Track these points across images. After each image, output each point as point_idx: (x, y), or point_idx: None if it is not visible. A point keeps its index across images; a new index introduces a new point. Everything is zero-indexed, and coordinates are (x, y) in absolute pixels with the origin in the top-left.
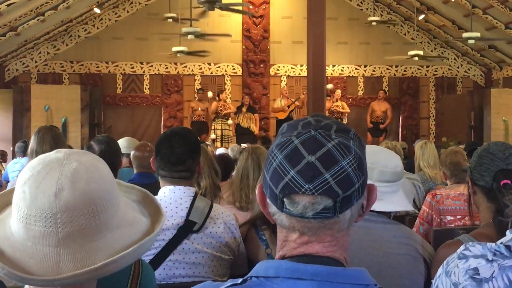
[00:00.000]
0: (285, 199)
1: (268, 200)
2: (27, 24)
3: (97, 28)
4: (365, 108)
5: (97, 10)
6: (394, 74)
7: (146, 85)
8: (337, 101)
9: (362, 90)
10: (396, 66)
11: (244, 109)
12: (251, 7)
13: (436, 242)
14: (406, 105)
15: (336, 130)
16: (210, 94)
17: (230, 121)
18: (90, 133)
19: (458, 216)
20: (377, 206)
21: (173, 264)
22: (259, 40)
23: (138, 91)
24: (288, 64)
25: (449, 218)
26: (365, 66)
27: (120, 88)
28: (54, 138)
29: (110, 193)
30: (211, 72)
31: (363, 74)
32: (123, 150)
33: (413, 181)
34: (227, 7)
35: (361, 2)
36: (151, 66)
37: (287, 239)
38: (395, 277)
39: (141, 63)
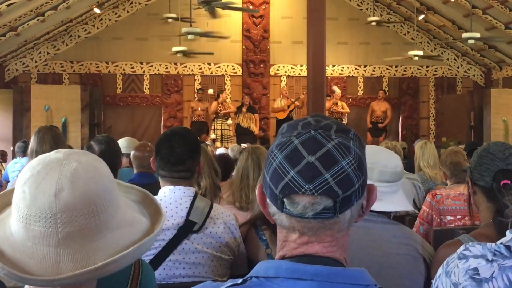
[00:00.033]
0: (285, 199)
1: (268, 200)
2: (27, 24)
3: (97, 28)
4: (365, 108)
5: (97, 10)
6: (394, 74)
7: (146, 85)
8: (336, 104)
9: (362, 90)
10: (396, 66)
11: (244, 109)
12: (251, 7)
13: (436, 242)
14: (406, 105)
15: (336, 130)
16: (210, 91)
17: (229, 121)
18: (90, 133)
19: (458, 216)
20: (377, 206)
21: (173, 264)
22: (259, 40)
23: (138, 91)
24: (288, 64)
25: (449, 218)
26: (365, 66)
27: (120, 88)
28: (54, 138)
29: (110, 193)
30: (211, 72)
31: (363, 74)
32: (123, 150)
33: (413, 181)
34: (226, 6)
35: (361, 2)
36: (151, 66)
37: (287, 239)
38: (395, 277)
39: (141, 63)
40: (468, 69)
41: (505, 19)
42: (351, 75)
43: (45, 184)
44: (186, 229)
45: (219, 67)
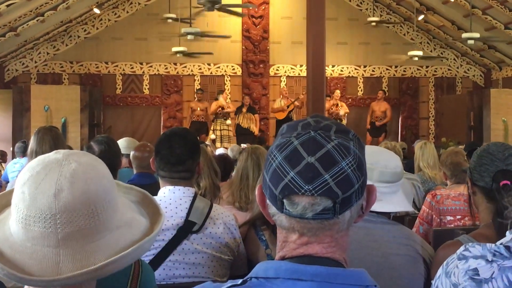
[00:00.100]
0: (284, 200)
1: (267, 201)
2: (27, 25)
3: (97, 28)
4: (365, 108)
5: (96, 11)
6: (394, 74)
7: (146, 85)
8: (337, 105)
9: (361, 91)
10: (396, 66)
11: (244, 110)
12: (251, 7)
13: (436, 242)
14: (405, 105)
15: (336, 131)
16: (221, 98)
17: (228, 121)
18: (90, 134)
19: (458, 216)
20: (376, 207)
21: (173, 265)
22: (259, 40)
23: (138, 91)
24: (287, 64)
25: (449, 218)
26: (365, 67)
27: (119, 89)
28: (53, 138)
29: (109, 194)
30: (211, 73)
31: (363, 74)
32: (123, 151)
33: (413, 182)
34: (226, 9)
35: (361, 3)
36: (151, 66)
37: (286, 240)
38: (394, 278)
39: (141, 63)
40: (468, 70)
41: (505, 19)
42: (350, 75)
43: (45, 184)
44: (186, 229)
45: (218, 67)
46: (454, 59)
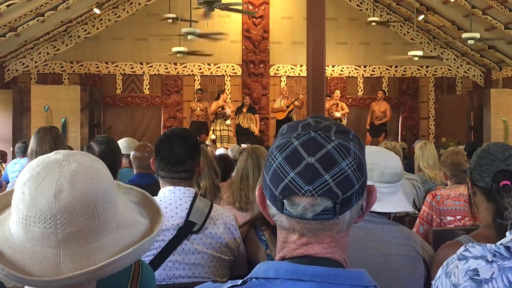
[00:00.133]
0: (285, 201)
1: (268, 201)
2: (27, 25)
3: (97, 28)
4: (365, 109)
5: (96, 11)
6: (394, 75)
7: (146, 85)
8: (337, 105)
9: (361, 91)
10: (396, 67)
11: (244, 110)
12: (251, 7)
13: (436, 242)
14: (405, 105)
15: (336, 132)
16: (228, 111)
17: (228, 122)
18: (90, 134)
19: (458, 217)
20: (377, 207)
21: (173, 265)
22: (259, 40)
23: (138, 91)
24: (287, 64)
25: (449, 218)
26: (365, 67)
27: (119, 89)
28: (54, 138)
29: (109, 194)
30: (211, 73)
31: (363, 75)
32: (123, 151)
33: (413, 182)
34: (226, 7)
35: (361, 3)
36: (151, 66)
37: (287, 240)
38: (395, 278)
39: (141, 63)
40: (468, 70)
41: (505, 20)
42: (350, 76)
43: (45, 185)
44: (186, 229)
45: (219, 67)
46: (454, 59)
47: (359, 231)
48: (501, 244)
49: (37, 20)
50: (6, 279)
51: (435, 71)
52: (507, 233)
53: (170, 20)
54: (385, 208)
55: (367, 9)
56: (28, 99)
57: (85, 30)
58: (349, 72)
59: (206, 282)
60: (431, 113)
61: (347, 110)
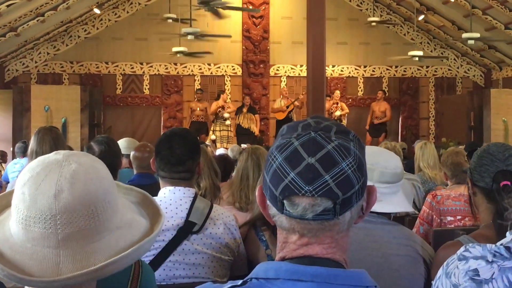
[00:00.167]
0: (285, 201)
1: (268, 201)
2: (27, 25)
3: (97, 28)
4: (365, 109)
5: (96, 11)
6: (394, 75)
7: (146, 85)
8: (337, 104)
9: (362, 91)
10: (396, 67)
11: (244, 110)
12: (251, 7)
13: (436, 242)
14: (405, 105)
15: (336, 132)
16: (226, 115)
17: (228, 122)
18: (90, 134)
19: (458, 217)
20: (377, 207)
21: (173, 265)
22: (259, 40)
23: (138, 91)
24: (287, 64)
25: (449, 218)
26: (365, 67)
27: (120, 89)
28: (54, 138)
29: (109, 195)
30: (211, 73)
31: (363, 75)
32: (123, 151)
33: (413, 182)
34: (226, 6)
35: (361, 3)
36: (151, 66)
37: (287, 240)
38: (395, 278)
39: (141, 63)
40: (468, 70)
41: (505, 20)
42: (351, 76)
43: (45, 185)
44: (186, 230)
45: (219, 67)
46: (454, 59)
47: (359, 232)
48: (501, 244)
49: (37, 20)
50: (6, 279)
51: (435, 71)
52: (507, 234)
53: (170, 20)
54: (385, 209)
55: (367, 9)
56: (28, 99)
57: (85, 30)
58: (349, 72)
59: (206, 283)
60: (431, 113)
61: (347, 110)
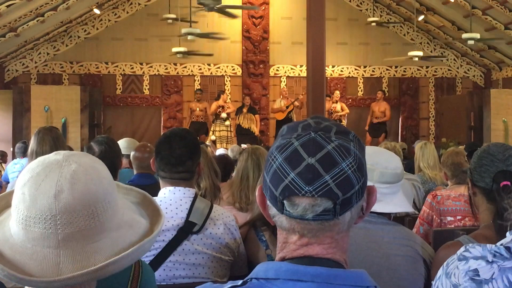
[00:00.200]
0: (285, 201)
1: (268, 202)
2: (27, 25)
3: (97, 28)
4: (365, 109)
5: (96, 11)
6: (394, 75)
7: (146, 85)
8: (336, 102)
9: (361, 91)
10: (396, 67)
11: (245, 110)
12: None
13: (436, 242)
14: (405, 105)
15: (336, 132)
16: (224, 115)
17: (227, 122)
18: (90, 134)
19: (458, 217)
20: (377, 207)
21: (173, 265)
22: (259, 40)
23: (138, 91)
24: (287, 64)
25: (449, 218)
26: (365, 67)
27: (119, 89)
28: (54, 139)
29: (109, 195)
30: (211, 73)
31: (363, 75)
32: (123, 151)
33: (413, 182)
34: (225, 6)
35: (361, 3)
36: (151, 66)
37: (287, 241)
38: (395, 278)
39: (141, 63)
40: (468, 70)
41: (505, 20)
42: (350, 76)
43: (45, 185)
44: (186, 230)
45: (218, 67)
46: (454, 60)
47: (359, 232)
48: (501, 244)
49: (37, 21)
50: (6, 279)
51: (435, 72)
52: (507, 234)
53: (170, 21)
54: (385, 209)
55: (367, 9)
56: (28, 100)
57: (85, 31)
58: (349, 73)
59: (206, 283)
60: (431, 113)
61: (347, 111)
